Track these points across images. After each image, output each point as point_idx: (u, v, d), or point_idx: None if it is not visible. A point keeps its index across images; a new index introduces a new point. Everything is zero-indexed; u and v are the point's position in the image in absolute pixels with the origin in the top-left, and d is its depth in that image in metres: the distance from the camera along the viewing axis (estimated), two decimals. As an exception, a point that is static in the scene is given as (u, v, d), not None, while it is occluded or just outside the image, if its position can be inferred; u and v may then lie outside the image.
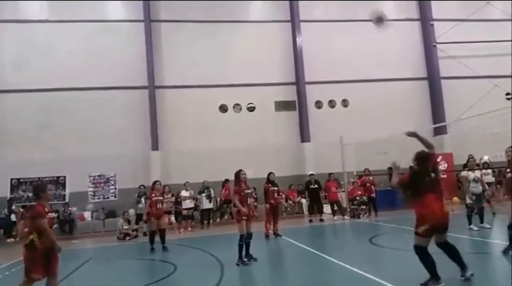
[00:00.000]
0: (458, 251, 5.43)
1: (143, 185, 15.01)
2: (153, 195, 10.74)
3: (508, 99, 21.11)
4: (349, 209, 15.79)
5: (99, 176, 17.30)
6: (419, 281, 5.44)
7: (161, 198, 11.02)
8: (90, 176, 17.26)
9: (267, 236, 11.48)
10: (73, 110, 18.13)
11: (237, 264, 7.80)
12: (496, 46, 20.82)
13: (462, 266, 5.40)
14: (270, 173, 12.05)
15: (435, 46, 21.34)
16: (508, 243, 6.92)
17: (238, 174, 8.46)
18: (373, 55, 20.54)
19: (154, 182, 11.36)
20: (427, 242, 5.30)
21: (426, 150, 5.68)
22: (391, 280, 5.69)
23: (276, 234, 11.48)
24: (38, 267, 5.12)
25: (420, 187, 5.38)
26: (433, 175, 5.44)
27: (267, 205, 11.69)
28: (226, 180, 16.72)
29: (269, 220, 11.72)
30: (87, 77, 18.37)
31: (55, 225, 5.32)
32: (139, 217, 14.05)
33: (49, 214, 5.36)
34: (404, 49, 21.45)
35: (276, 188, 11.91)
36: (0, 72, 18.14)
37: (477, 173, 10.47)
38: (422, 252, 5.29)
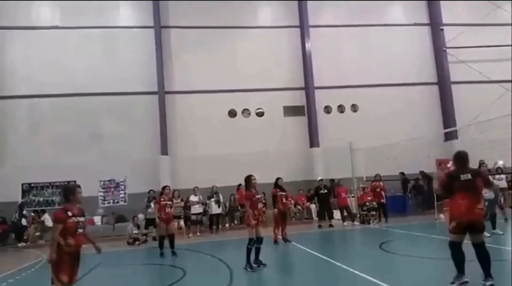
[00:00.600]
0: (489, 257, 5.43)
1: (152, 190, 15.06)
2: (162, 199, 10.76)
3: (520, 104, 20.84)
4: (358, 215, 15.67)
5: (109, 181, 17.44)
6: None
7: (170, 202, 11.01)
8: (100, 181, 17.41)
9: (275, 241, 11.42)
10: (84, 115, 18.36)
11: (245, 268, 7.76)
12: (507, 51, 20.60)
13: (487, 273, 5.39)
14: (278, 178, 12.01)
15: (445, 50, 21.19)
16: None
17: (249, 179, 8.46)
18: (383, 60, 20.47)
19: (164, 187, 11.39)
20: (458, 238, 5.53)
21: (463, 150, 5.86)
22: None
23: (285, 240, 11.43)
24: (64, 270, 5.03)
25: (453, 186, 5.63)
26: (469, 176, 5.56)
27: (276, 210, 11.65)
28: (240, 185, 16.76)
29: (277, 225, 11.66)
30: (98, 82, 18.58)
31: (80, 230, 5.20)
32: (148, 221, 14.08)
33: (75, 217, 5.17)
34: (414, 54, 21.34)
35: (284, 193, 11.85)
36: (12, 77, 18.39)
37: (490, 178, 10.31)
38: (452, 248, 5.56)
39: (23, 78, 18.33)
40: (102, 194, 17.39)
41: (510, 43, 20.26)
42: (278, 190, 11.76)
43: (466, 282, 5.45)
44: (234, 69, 19.78)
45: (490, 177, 10.37)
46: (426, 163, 16.80)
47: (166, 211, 10.65)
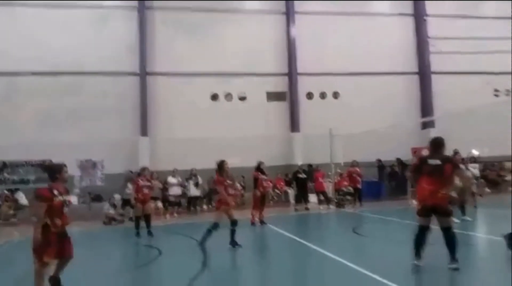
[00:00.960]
0: (455, 242, 5.56)
1: (130, 171, 14.96)
2: (140, 180, 10.73)
3: (496, 95, 21.37)
4: (335, 199, 15.95)
5: (86, 160, 17.14)
6: (399, 270, 5.57)
7: (148, 183, 10.99)
8: (77, 160, 17.11)
9: (252, 223, 11.53)
10: (63, 94, 17.96)
11: (200, 245, 7.96)
12: (487, 44, 20.99)
13: (452, 257, 5.55)
14: (260, 162, 12.09)
15: (427, 41, 21.41)
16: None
17: (222, 164, 8.48)
18: (366, 49, 20.59)
19: (142, 168, 11.34)
20: (423, 221, 5.67)
21: (440, 137, 5.97)
22: (372, 269, 5.77)
23: (261, 222, 11.55)
24: (50, 250, 4.98)
25: (421, 170, 5.79)
26: (438, 161, 5.65)
27: (258, 192, 11.69)
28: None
29: (256, 208, 11.76)
30: (79, 61, 18.13)
31: (66, 209, 5.16)
32: (125, 202, 14.02)
33: (61, 196, 5.12)
34: (397, 43, 21.51)
35: (265, 177, 11.95)
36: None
37: (462, 167, 10.60)
38: (417, 229, 5.72)
39: (0, 54, 17.74)
40: (79, 173, 17.14)
41: (491, 36, 20.72)
42: (259, 173, 11.83)
43: (419, 265, 5.58)
44: (218, 52, 19.56)
45: (463, 166, 10.68)
46: (403, 151, 17.14)
47: (144, 192, 10.63)
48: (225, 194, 8.17)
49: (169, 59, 19.33)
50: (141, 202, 10.56)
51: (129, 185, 13.27)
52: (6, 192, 16.24)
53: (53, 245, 4.97)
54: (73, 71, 18.13)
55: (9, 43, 17.74)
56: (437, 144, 5.88)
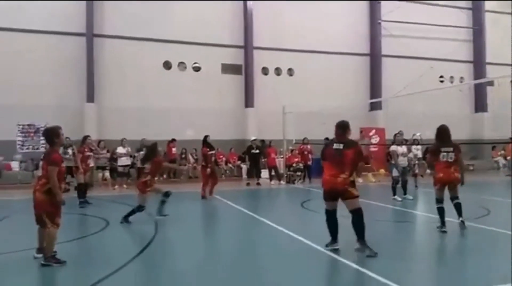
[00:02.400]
0: (361, 224, 5.49)
1: (68, 137, 14.27)
2: (85, 150, 10.46)
3: (441, 81, 22.52)
4: (285, 175, 16.31)
5: (28, 125, 16.25)
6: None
7: (91, 153, 10.80)
8: (19, 125, 16.17)
9: (203, 197, 11.55)
10: (4, 52, 16.63)
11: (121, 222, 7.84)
12: (436, 30, 21.93)
13: (358, 237, 5.49)
14: (207, 136, 12.02)
15: (379, 23, 21.96)
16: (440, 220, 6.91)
17: (155, 147, 8.54)
18: (321, 28, 20.80)
19: (85, 137, 10.95)
20: (328, 206, 5.67)
21: (346, 120, 5.82)
22: (312, 239, 6.12)
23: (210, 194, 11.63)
24: (59, 212, 5.10)
25: (323, 156, 5.79)
26: (341, 146, 5.55)
27: (208, 169, 11.64)
28: (173, 140, 16.72)
29: (206, 183, 11.74)
30: (21, 17, 16.80)
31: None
32: (67, 170, 13.42)
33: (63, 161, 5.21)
34: (351, 24, 21.88)
35: (213, 152, 11.93)
36: None
37: (405, 148, 11.18)
38: (326, 214, 5.75)
39: None
40: (20, 139, 16.23)
41: (440, 23, 21.66)
42: (208, 149, 11.78)
43: (337, 249, 5.61)
44: (172, 18, 18.88)
45: (405, 147, 11.26)
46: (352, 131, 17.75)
47: (88, 162, 10.45)
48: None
49: (120, 21, 18.36)
50: (84, 171, 10.36)
51: (69, 151, 12.46)
52: None
53: (59, 209, 5.11)
54: (13, 28, 16.80)
55: None
56: (341, 127, 5.72)
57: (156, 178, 8.77)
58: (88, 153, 10.45)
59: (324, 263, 5.36)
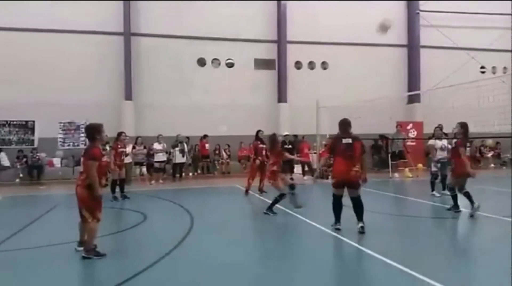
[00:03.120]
0: (362, 208, 6.39)
1: (106, 134, 14.66)
2: (119, 146, 10.74)
3: (483, 72, 21.57)
4: (319, 170, 16.13)
5: (69, 123, 16.86)
6: (373, 238, 5.80)
7: (125, 149, 11.22)
8: (60, 123, 16.81)
9: (247, 191, 11.54)
10: (45, 53, 17.33)
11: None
12: (477, 19, 20.98)
13: (359, 218, 6.39)
14: (259, 131, 12.05)
15: (418, 13, 21.26)
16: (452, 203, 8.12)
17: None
18: (356, 19, 20.28)
19: (120, 133, 11.21)
20: (337, 192, 6.53)
21: (346, 118, 6.68)
22: (350, 236, 6.00)
23: (261, 191, 11.52)
24: (100, 206, 5.30)
25: (335, 149, 6.49)
26: (349, 140, 6.32)
27: (257, 162, 11.64)
28: (205, 136, 16.92)
29: (253, 177, 11.72)
30: (62, 18, 17.40)
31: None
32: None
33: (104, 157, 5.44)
34: (387, 14, 21.20)
35: (264, 146, 11.91)
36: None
37: (444, 142, 10.78)
38: (333, 199, 6.61)
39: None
40: (61, 136, 16.87)
41: (481, 12, 20.68)
42: (259, 142, 11.80)
43: (339, 229, 6.50)
44: (206, 16, 19.01)
45: (445, 141, 10.86)
46: (388, 124, 17.28)
47: (122, 158, 10.75)
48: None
49: (155, 20, 18.71)
50: (118, 167, 10.65)
51: (107, 148, 12.84)
52: (-13, 151, 15.97)
53: (100, 204, 5.29)
54: (55, 29, 17.46)
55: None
56: (344, 124, 6.56)
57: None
58: (121, 150, 10.72)
59: (359, 260, 5.26)
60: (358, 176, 6.30)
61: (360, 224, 6.33)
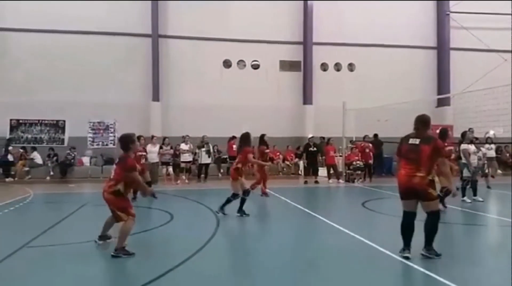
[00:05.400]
0: (435, 229, 5.20)
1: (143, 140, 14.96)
2: (138, 150, 10.79)
3: (516, 75, 20.84)
4: (344, 174, 15.96)
5: (98, 122, 17.31)
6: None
7: (144, 153, 11.11)
8: (90, 122, 17.27)
9: (263, 193, 11.56)
10: (75, 54, 17.80)
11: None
12: (508, 19, 20.29)
13: (427, 243, 5.22)
14: (263, 135, 12.04)
15: (448, 15, 20.76)
16: None
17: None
18: (383, 20, 20.01)
19: (138, 138, 11.28)
20: (404, 205, 5.30)
21: (426, 115, 5.51)
22: (377, 241, 5.87)
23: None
24: (130, 203, 5.63)
25: (400, 152, 5.44)
26: (417, 141, 5.19)
27: (267, 167, 11.63)
28: (234, 137, 16.97)
29: (265, 179, 11.74)
30: (92, 21, 17.84)
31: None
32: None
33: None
34: (416, 16, 20.87)
35: (269, 150, 11.92)
36: (3, 9, 17.54)
37: (474, 147, 10.50)
38: (402, 216, 5.32)
39: (12, 10, 17.51)
40: (91, 135, 17.31)
41: (509, 12, 20.00)
42: (265, 147, 11.81)
43: (408, 257, 5.15)
44: (231, 17, 19.16)
45: (473, 147, 10.53)
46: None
47: (141, 162, 10.56)
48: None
49: (182, 22, 18.94)
50: (139, 172, 10.62)
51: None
52: (21, 150, 16.52)
53: (128, 199, 5.68)
54: (86, 31, 17.90)
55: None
56: (420, 121, 5.38)
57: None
58: (140, 154, 10.72)
59: (390, 267, 5.15)
60: (425, 184, 5.05)
61: (424, 251, 5.20)
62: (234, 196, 8.18)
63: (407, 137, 5.38)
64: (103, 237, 5.88)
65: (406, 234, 5.24)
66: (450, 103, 20.13)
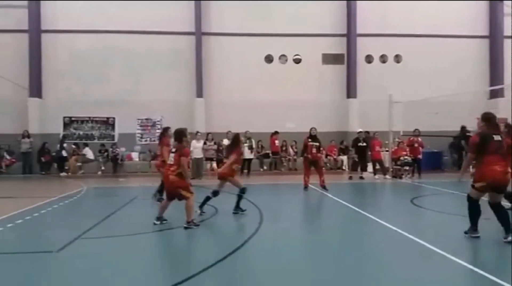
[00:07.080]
0: (508, 216, 5.50)
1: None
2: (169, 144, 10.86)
3: None
4: (391, 169, 15.51)
5: (146, 119, 17.89)
6: (456, 243, 5.54)
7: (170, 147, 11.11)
8: (138, 119, 17.88)
9: (305, 187, 11.54)
10: (124, 53, 18.47)
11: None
12: None
13: (507, 230, 5.48)
14: (312, 128, 11.94)
15: (501, 1, 19.57)
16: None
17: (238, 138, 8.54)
18: (431, 9, 19.24)
19: (166, 129, 11.18)
20: (479, 196, 5.65)
21: (490, 111, 5.84)
22: (429, 240, 5.65)
23: (323, 187, 11.41)
24: (189, 183, 6.81)
25: (485, 148, 5.51)
26: (499, 137, 5.53)
27: (309, 157, 11.60)
28: (276, 132, 17.02)
29: (307, 173, 11.71)
30: (139, 20, 18.40)
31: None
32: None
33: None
34: (466, 4, 19.85)
35: (316, 144, 11.74)
36: (53, 12, 18.42)
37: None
38: (472, 202, 5.69)
39: (63, 12, 18.37)
40: (139, 131, 17.94)
41: None
42: (309, 139, 11.71)
43: (479, 237, 5.66)
44: (273, 12, 19.07)
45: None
46: (468, 121, 16.13)
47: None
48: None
49: (224, 19, 19.16)
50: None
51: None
52: (73, 146, 17.39)
53: (188, 181, 6.88)
54: (133, 30, 18.50)
55: (71, 2, 18.24)
56: (490, 119, 5.72)
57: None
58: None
59: (443, 266, 4.97)
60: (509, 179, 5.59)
61: (510, 238, 5.42)
62: (243, 190, 8.15)
63: (489, 134, 5.56)
64: (160, 218, 6.92)
65: (477, 217, 5.69)
66: (504, 94, 19.04)
